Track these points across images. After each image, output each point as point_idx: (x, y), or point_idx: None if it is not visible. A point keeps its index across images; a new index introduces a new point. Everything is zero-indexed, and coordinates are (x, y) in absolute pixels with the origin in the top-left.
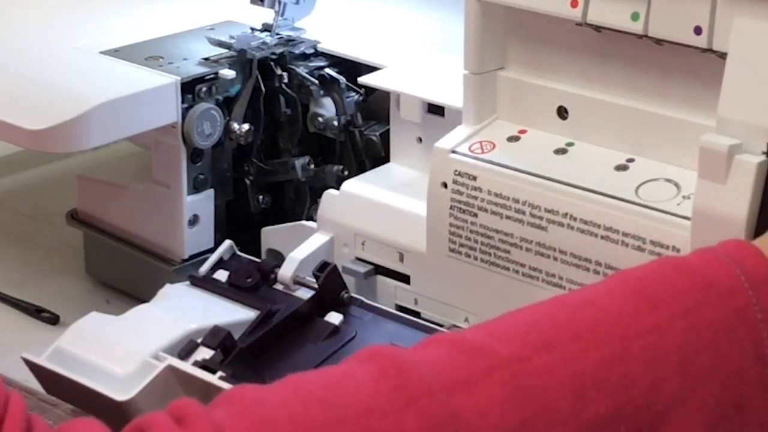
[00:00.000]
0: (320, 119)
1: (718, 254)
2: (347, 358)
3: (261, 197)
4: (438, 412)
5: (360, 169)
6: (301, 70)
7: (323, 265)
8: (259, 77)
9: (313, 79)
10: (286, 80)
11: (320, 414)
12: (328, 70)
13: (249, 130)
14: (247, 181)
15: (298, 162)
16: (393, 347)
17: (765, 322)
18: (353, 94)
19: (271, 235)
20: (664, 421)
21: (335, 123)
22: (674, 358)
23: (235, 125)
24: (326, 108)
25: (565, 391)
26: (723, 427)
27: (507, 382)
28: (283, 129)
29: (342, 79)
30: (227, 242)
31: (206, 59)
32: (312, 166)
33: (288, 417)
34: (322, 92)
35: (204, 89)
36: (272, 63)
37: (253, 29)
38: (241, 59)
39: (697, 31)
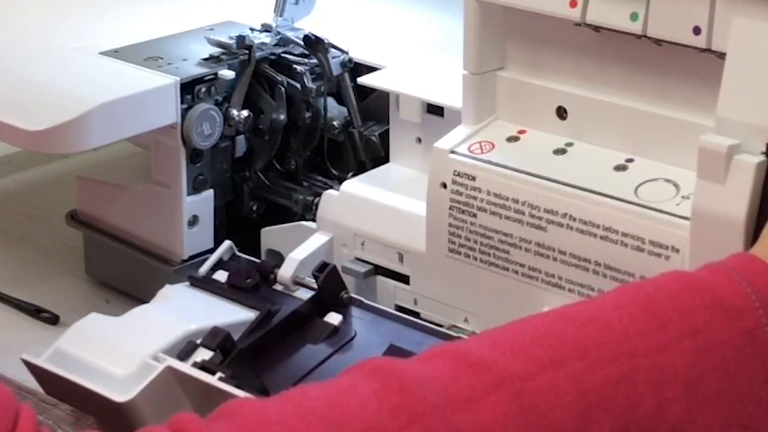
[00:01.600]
0: (320, 120)
1: (728, 271)
2: (349, 369)
3: (256, 206)
4: (440, 430)
5: (360, 169)
6: (302, 69)
7: (323, 266)
8: (286, 82)
9: (306, 59)
10: (313, 85)
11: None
12: (312, 31)
13: (248, 117)
14: (246, 187)
15: (302, 198)
16: (396, 360)
17: None
18: (339, 53)
19: (271, 236)
20: None
21: (335, 123)
22: (681, 379)
23: (234, 112)
24: (327, 109)
25: (570, 410)
26: None
27: (511, 399)
28: (299, 132)
29: (327, 39)
30: (227, 243)
31: (206, 60)
32: (316, 202)
33: None
34: (322, 90)
35: (203, 90)
36: (294, 65)
37: (252, 29)
38: (239, 44)
39: (696, 31)
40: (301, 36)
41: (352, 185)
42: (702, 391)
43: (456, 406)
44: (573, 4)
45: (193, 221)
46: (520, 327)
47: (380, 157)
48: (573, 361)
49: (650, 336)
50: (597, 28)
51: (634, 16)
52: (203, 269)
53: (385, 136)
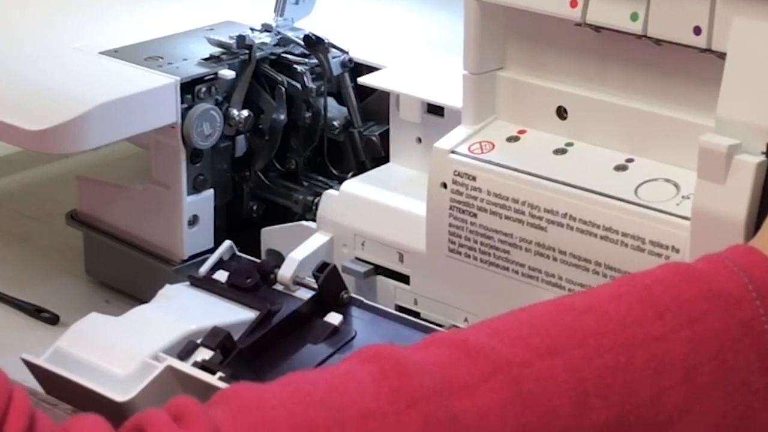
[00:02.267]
0: (320, 120)
1: (726, 262)
2: (348, 357)
3: (256, 206)
4: (437, 415)
5: (360, 169)
6: (302, 68)
7: (323, 266)
8: (286, 82)
9: (306, 59)
10: (313, 85)
11: (319, 415)
12: (312, 31)
13: (248, 117)
14: (246, 187)
15: (302, 198)
16: (394, 347)
17: None
18: (339, 53)
19: (271, 236)
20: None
21: (335, 123)
22: (679, 369)
23: (234, 112)
24: (327, 109)
25: (567, 398)
26: None
27: (508, 386)
28: (299, 132)
29: (327, 39)
30: (227, 243)
31: (206, 59)
32: (316, 202)
33: (286, 418)
34: (322, 90)
35: (203, 89)
36: (294, 65)
37: (252, 29)
38: (240, 44)
39: (697, 31)
40: (302, 36)
41: (352, 185)
42: (699, 381)
43: (453, 391)
44: (573, 4)
45: (193, 221)
46: (519, 316)
47: (380, 157)
48: (571, 349)
49: (648, 326)
50: (597, 28)
51: (634, 16)
52: (203, 269)
53: (385, 136)
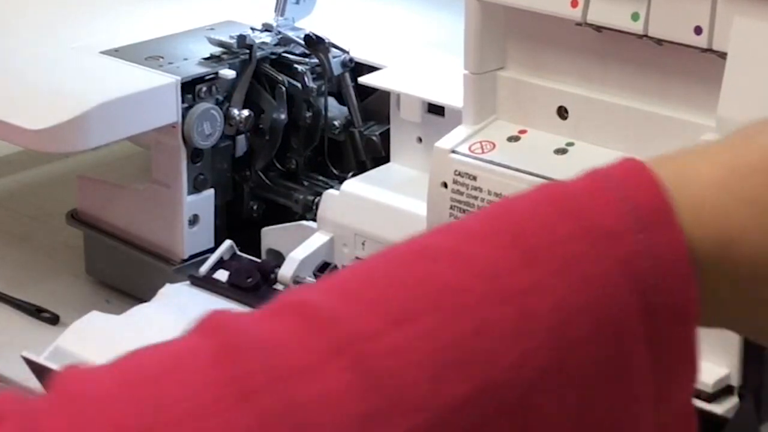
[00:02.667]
0: (320, 120)
1: (610, 184)
2: (198, 324)
3: (256, 206)
4: (276, 408)
5: (360, 169)
6: (302, 68)
7: (324, 266)
8: (287, 81)
9: (305, 60)
10: (313, 85)
11: (135, 416)
12: (313, 30)
13: (249, 116)
14: (246, 187)
15: (302, 197)
16: (240, 316)
17: (655, 268)
18: (340, 53)
19: (271, 235)
20: (534, 393)
21: (336, 123)
22: (547, 323)
23: (235, 111)
24: (328, 109)
25: (421, 373)
26: (606, 392)
27: (353, 366)
28: (300, 132)
29: (328, 38)
30: (227, 242)
31: (206, 59)
32: (316, 201)
33: (103, 415)
34: (323, 90)
35: (204, 89)
36: (295, 65)
37: (253, 29)
38: (240, 44)
39: (697, 31)
40: (302, 35)
41: (353, 185)
42: (571, 332)
43: (294, 376)
44: (574, 3)
45: (194, 221)
46: (371, 268)
47: (381, 157)
48: (426, 314)
49: (514, 276)
50: (598, 28)
51: (635, 16)
52: (204, 268)
53: (385, 136)
